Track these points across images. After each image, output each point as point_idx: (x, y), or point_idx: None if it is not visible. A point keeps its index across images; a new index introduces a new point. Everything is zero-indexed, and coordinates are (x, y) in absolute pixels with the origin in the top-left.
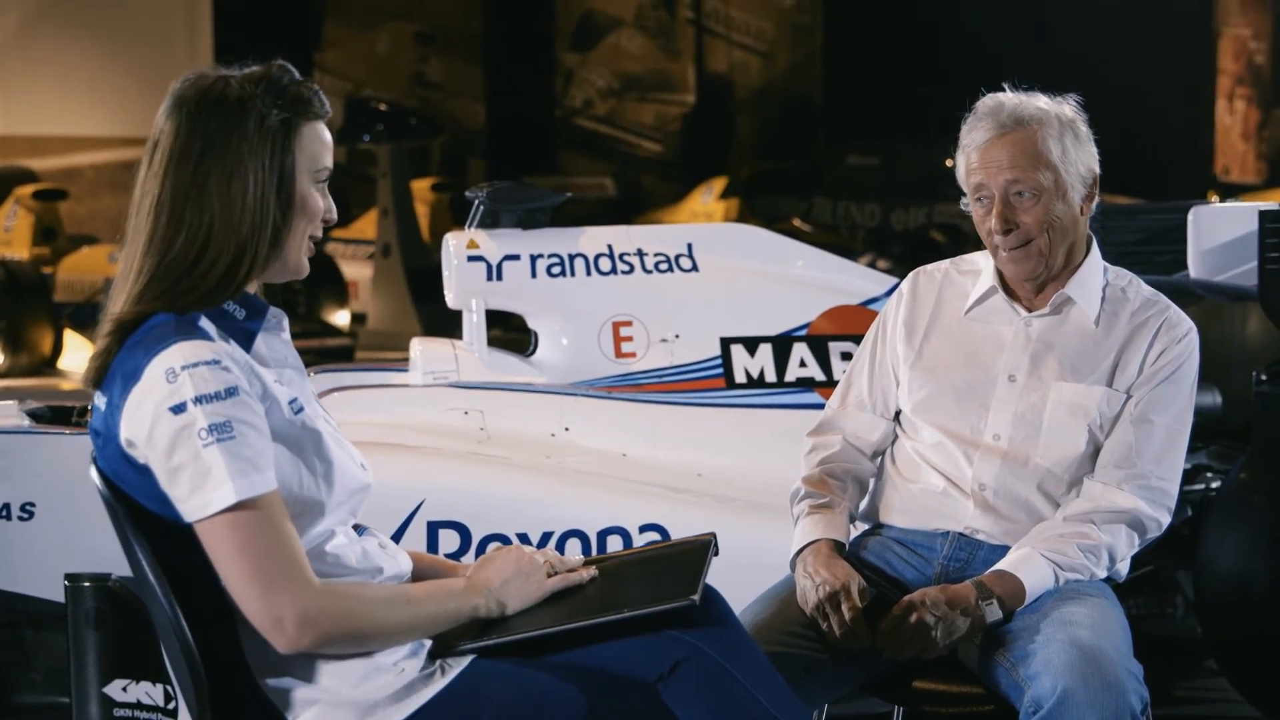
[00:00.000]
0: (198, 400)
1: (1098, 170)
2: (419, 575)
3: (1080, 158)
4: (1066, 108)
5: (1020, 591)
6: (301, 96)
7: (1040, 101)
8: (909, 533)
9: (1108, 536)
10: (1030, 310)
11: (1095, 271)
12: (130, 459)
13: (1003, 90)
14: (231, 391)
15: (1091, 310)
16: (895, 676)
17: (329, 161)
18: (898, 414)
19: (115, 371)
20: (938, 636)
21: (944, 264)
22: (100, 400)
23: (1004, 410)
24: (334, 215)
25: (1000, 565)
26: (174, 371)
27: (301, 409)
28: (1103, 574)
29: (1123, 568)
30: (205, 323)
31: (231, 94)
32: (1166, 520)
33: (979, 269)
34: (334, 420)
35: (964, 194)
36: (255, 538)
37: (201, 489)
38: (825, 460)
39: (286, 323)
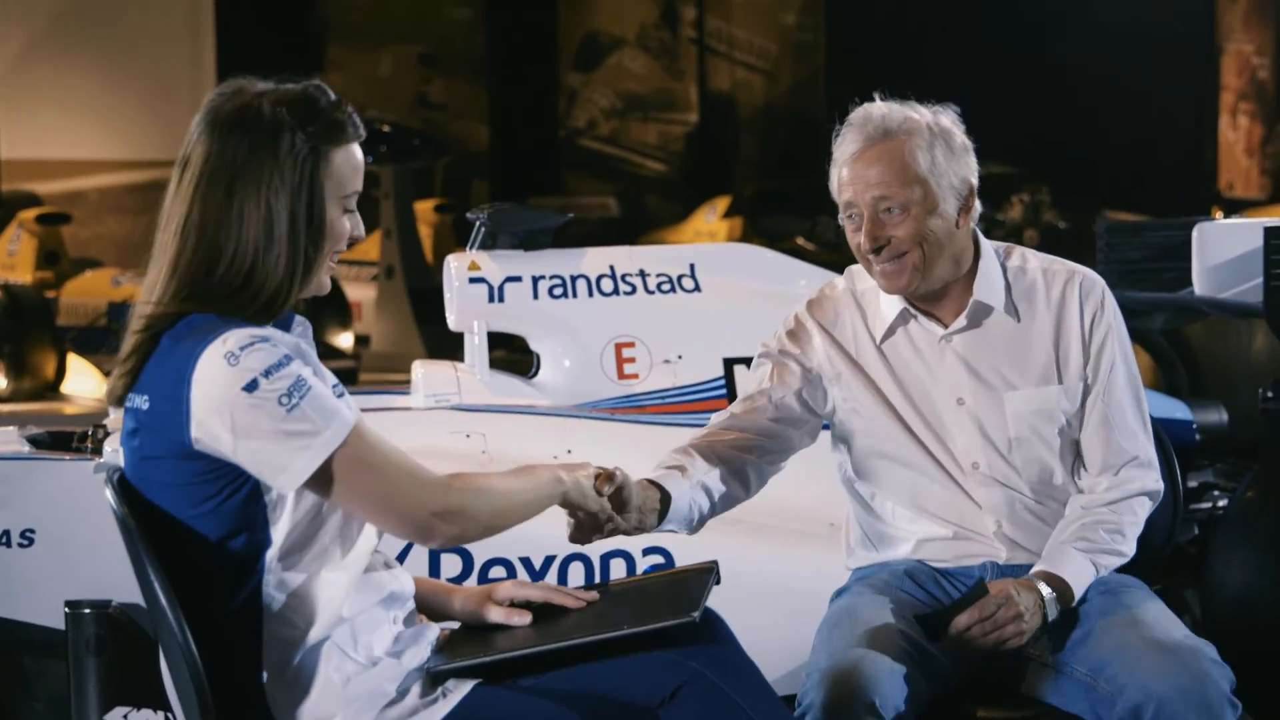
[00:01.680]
0: (266, 373)
1: (974, 181)
2: (419, 598)
3: (953, 168)
4: (944, 118)
5: (1067, 590)
6: (334, 122)
7: (912, 111)
8: (945, 568)
9: (1128, 515)
10: (945, 326)
11: (993, 268)
12: (191, 452)
13: (874, 100)
14: (289, 358)
15: (999, 305)
16: (947, 705)
17: (358, 185)
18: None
19: (156, 368)
20: (1025, 629)
21: (838, 284)
22: (140, 400)
23: (969, 436)
24: (361, 233)
25: (1041, 566)
26: (234, 355)
27: (343, 394)
28: (1130, 551)
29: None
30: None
31: (265, 116)
32: (1160, 476)
33: (874, 285)
34: None
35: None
36: (370, 466)
37: (305, 446)
38: (708, 438)
39: (310, 331)
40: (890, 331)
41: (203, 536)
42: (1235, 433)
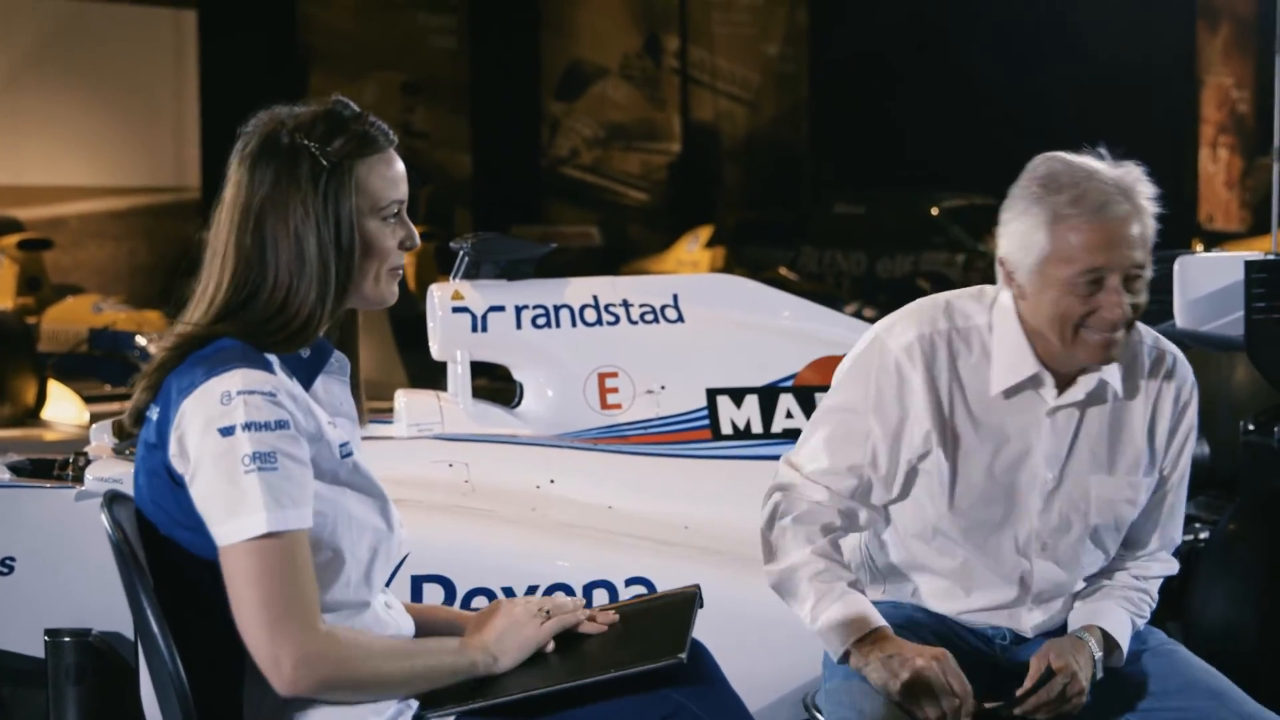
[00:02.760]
0: (246, 426)
1: None
2: (432, 630)
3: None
4: None
5: (1115, 648)
6: (358, 135)
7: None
8: (965, 622)
9: (1153, 590)
10: (1058, 394)
11: None
12: (172, 472)
13: (1097, 154)
14: (282, 424)
15: (1118, 384)
16: None
17: (396, 194)
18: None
19: (171, 384)
20: (1083, 700)
21: (940, 322)
22: (154, 412)
23: (1047, 518)
24: (415, 242)
25: (1093, 622)
26: (229, 395)
27: (350, 454)
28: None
29: None
30: (271, 355)
31: (282, 146)
32: None
33: (979, 325)
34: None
35: (1016, 269)
36: (273, 572)
37: (237, 515)
38: (829, 530)
39: (349, 368)
40: (1009, 392)
41: (196, 560)
42: (1216, 465)
